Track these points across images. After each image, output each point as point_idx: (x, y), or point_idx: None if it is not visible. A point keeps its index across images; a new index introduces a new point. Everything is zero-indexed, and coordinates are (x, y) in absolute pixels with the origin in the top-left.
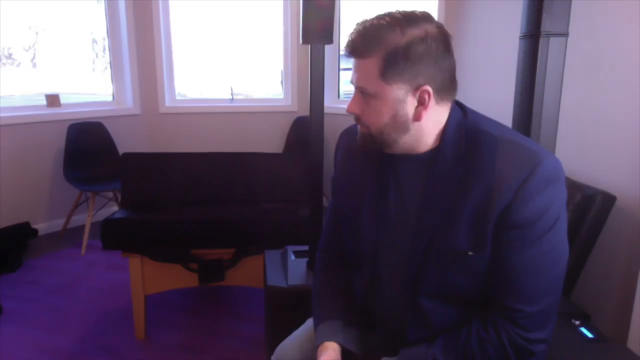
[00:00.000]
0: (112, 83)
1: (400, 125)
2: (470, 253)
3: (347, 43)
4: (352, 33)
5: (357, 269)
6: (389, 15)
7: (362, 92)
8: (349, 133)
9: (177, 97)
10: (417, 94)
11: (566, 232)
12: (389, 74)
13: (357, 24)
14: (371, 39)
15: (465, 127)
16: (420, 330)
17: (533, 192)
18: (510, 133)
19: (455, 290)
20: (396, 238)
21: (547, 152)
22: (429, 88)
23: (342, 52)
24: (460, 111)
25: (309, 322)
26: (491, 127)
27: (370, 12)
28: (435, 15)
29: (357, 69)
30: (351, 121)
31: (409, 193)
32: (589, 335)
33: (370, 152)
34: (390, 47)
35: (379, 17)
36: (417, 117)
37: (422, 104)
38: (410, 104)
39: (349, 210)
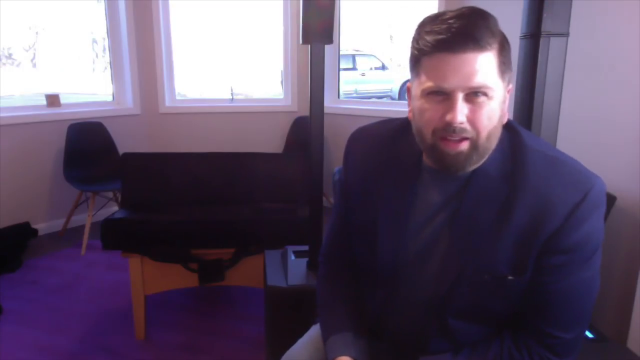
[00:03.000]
0: (112, 83)
1: (500, 128)
2: (510, 277)
3: (457, 31)
4: (449, 23)
5: (371, 283)
6: (472, 7)
7: (476, 94)
8: (362, 137)
9: (177, 97)
10: (506, 91)
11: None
12: (504, 67)
13: (451, 15)
14: (487, 26)
15: (509, 141)
16: (444, 343)
17: (583, 218)
18: (557, 152)
19: (487, 311)
20: (423, 255)
21: (595, 174)
22: (512, 86)
23: (432, 47)
24: None
25: (314, 329)
26: (538, 143)
27: (370, 12)
28: None
29: (476, 65)
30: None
31: (442, 209)
32: (589, 335)
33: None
34: (500, 37)
35: (464, 9)
36: (504, 118)
37: (504, 103)
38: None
39: (363, 220)
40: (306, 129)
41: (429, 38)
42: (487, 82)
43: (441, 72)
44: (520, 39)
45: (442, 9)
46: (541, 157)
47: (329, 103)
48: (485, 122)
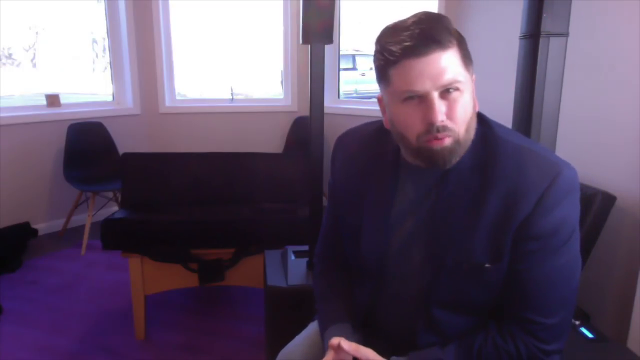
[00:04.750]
0: (112, 83)
1: (474, 118)
2: (486, 265)
3: (420, 36)
4: (411, 30)
5: (359, 279)
6: (424, 11)
7: (449, 90)
8: (347, 139)
9: (177, 97)
10: (472, 84)
11: (579, 242)
12: (466, 59)
13: (409, 22)
14: (444, 26)
15: (481, 133)
16: (431, 336)
17: (553, 204)
18: (527, 141)
19: (469, 301)
20: (405, 249)
21: (565, 161)
22: (475, 76)
23: (399, 56)
24: None
25: (311, 326)
26: (508, 134)
27: (370, 12)
28: None
29: (443, 63)
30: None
31: (420, 202)
32: (589, 335)
33: (378, 158)
34: (457, 34)
35: (419, 15)
36: (476, 109)
37: (473, 93)
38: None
39: (350, 218)
40: (306, 129)
41: (394, 48)
42: (457, 77)
43: (412, 77)
44: (520, 39)
45: (442, 9)
46: (511, 146)
47: (329, 103)
48: (462, 115)
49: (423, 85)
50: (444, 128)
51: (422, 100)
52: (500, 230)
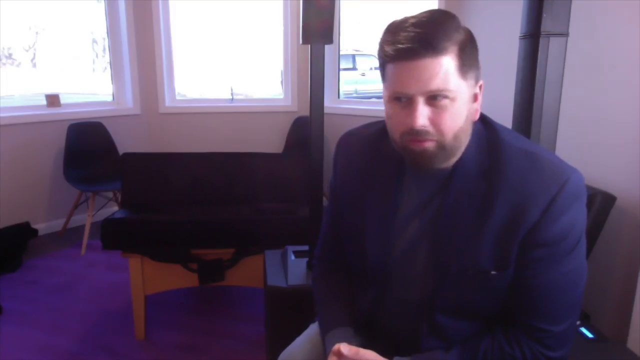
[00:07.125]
0: (112, 83)
1: (469, 126)
2: (493, 272)
3: (413, 39)
4: (408, 31)
5: (362, 282)
6: (433, 11)
7: (436, 97)
8: (349, 140)
9: (177, 97)
10: (475, 89)
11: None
12: (465, 67)
13: (409, 23)
14: (444, 31)
15: (486, 137)
16: (435, 341)
17: (561, 210)
18: (533, 146)
19: (474, 307)
20: (410, 253)
21: (572, 167)
22: (482, 82)
23: (392, 56)
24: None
25: (312, 328)
26: (514, 138)
27: (370, 12)
28: None
29: (433, 70)
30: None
31: (425, 206)
32: (589, 335)
33: (379, 161)
34: (460, 39)
35: (423, 15)
36: (475, 116)
37: (476, 100)
38: (473, 101)
39: (352, 220)
40: (306, 129)
41: (388, 48)
42: (447, 86)
43: (401, 79)
44: (520, 39)
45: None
46: (517, 152)
47: (329, 103)
48: (450, 123)
49: (410, 88)
50: (426, 132)
51: (409, 103)
52: (507, 237)
